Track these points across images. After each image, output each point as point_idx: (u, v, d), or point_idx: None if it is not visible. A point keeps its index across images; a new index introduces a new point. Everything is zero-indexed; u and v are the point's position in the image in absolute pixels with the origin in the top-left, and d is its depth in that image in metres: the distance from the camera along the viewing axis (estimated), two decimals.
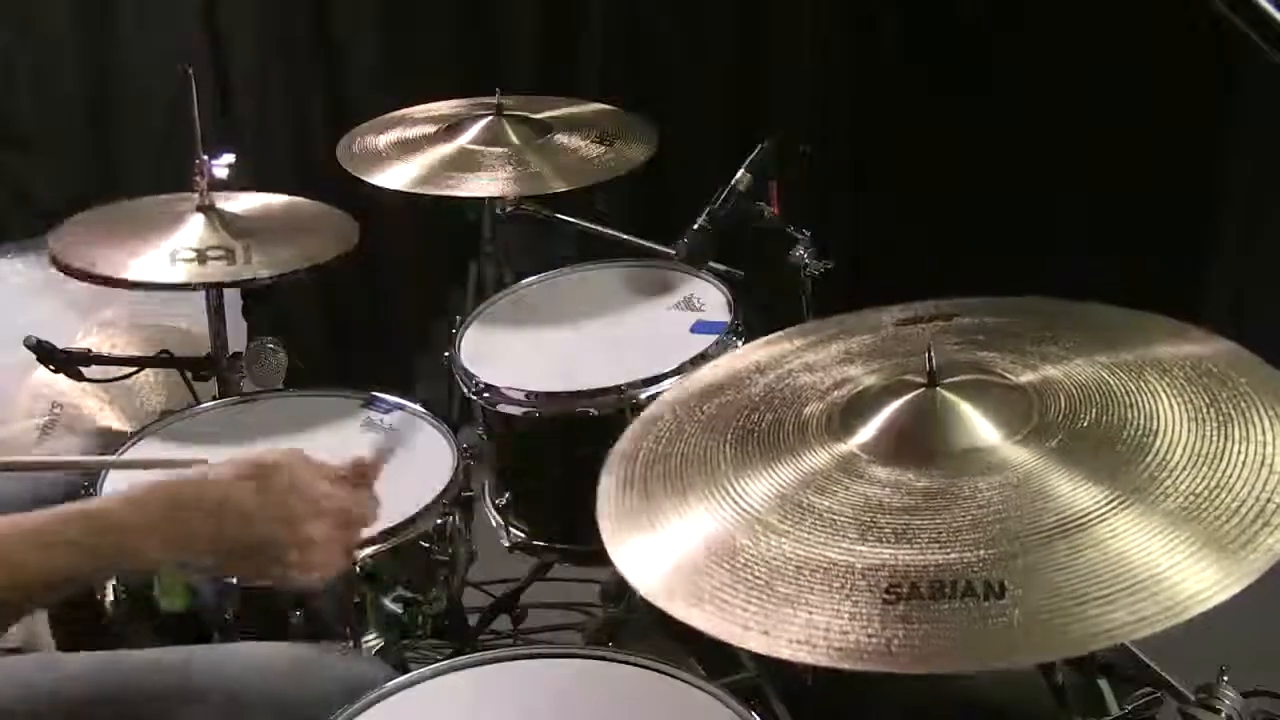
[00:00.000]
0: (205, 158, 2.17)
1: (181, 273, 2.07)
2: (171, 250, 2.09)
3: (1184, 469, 1.12)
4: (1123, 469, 1.14)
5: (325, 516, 1.30)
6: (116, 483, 1.81)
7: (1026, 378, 1.30)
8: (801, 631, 1.06)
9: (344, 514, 1.32)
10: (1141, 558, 1.04)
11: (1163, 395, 1.22)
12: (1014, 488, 1.14)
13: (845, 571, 1.10)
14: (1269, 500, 1.07)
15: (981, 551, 1.08)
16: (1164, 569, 1.03)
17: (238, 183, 2.27)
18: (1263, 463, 1.11)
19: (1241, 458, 1.12)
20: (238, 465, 1.30)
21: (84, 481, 1.78)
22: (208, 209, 2.18)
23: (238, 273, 2.10)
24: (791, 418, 1.33)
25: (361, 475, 1.38)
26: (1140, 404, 1.22)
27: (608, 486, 1.32)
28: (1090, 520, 1.09)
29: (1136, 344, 1.32)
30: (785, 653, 1.05)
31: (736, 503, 1.22)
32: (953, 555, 1.09)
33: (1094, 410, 1.22)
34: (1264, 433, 1.14)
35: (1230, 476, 1.10)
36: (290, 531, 1.27)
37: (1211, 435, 1.15)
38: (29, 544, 1.22)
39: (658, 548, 1.21)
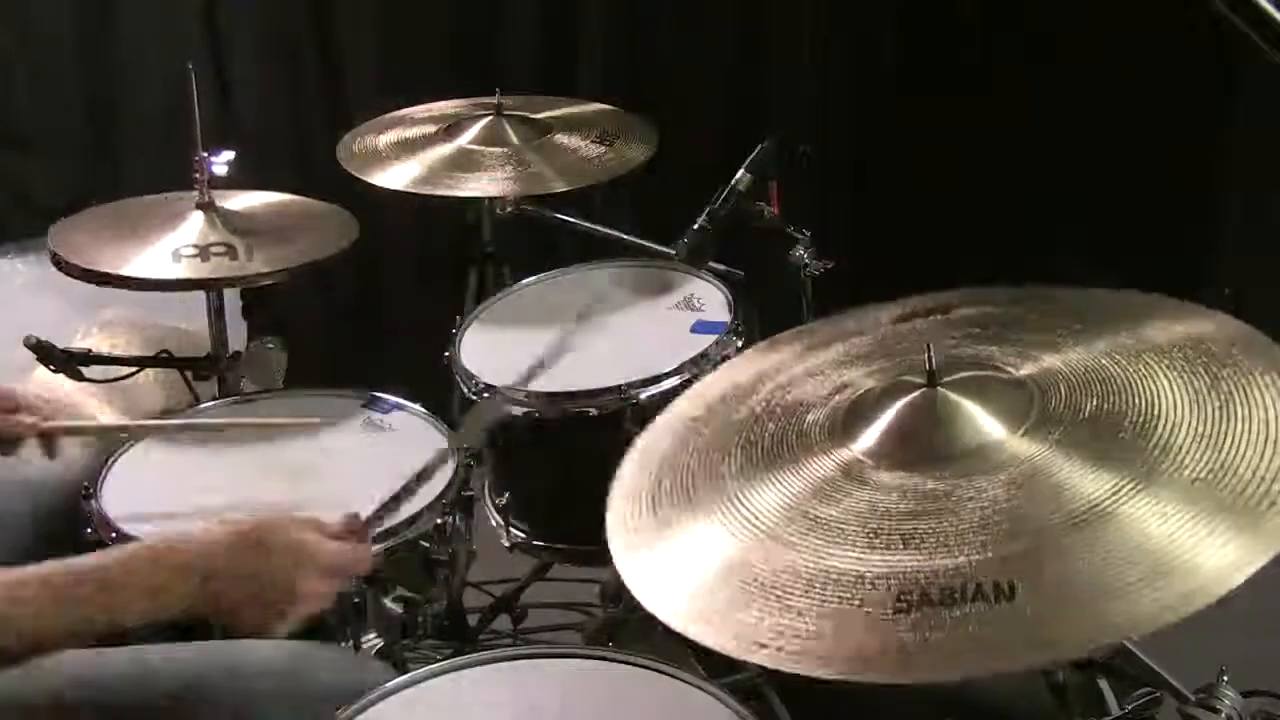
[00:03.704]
0: (205, 155, 2.17)
1: (184, 269, 2.07)
2: (173, 248, 2.09)
3: (1188, 451, 1.11)
4: (1127, 455, 1.12)
5: (317, 573, 1.34)
6: (119, 482, 1.81)
7: (1026, 370, 1.29)
8: (814, 645, 1.06)
9: (335, 569, 1.38)
10: (1154, 545, 1.03)
11: (1162, 378, 1.21)
12: (1020, 484, 1.13)
13: (855, 582, 1.09)
14: (1276, 476, 1.05)
15: (990, 553, 1.07)
16: (1178, 555, 1.02)
17: (238, 181, 2.27)
18: (1268, 439, 1.10)
19: (1246, 435, 1.11)
20: (230, 528, 1.33)
21: (84, 484, 1.78)
22: (207, 206, 2.17)
23: (240, 269, 2.10)
24: (794, 427, 1.32)
25: (355, 530, 1.42)
26: (1141, 388, 1.20)
27: (616, 505, 1.31)
28: (1099, 510, 1.07)
29: (1133, 327, 1.31)
30: (799, 668, 1.05)
31: (744, 517, 1.21)
32: (961, 559, 1.08)
33: (1095, 398, 1.21)
34: (1266, 409, 1.13)
35: (1236, 456, 1.09)
36: (280, 593, 1.32)
37: (1214, 415, 1.14)
38: (40, 602, 1.23)
39: (667, 566, 1.21)
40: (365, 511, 1.49)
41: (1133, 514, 1.07)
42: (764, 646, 1.08)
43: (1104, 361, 1.26)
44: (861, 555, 1.12)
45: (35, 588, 1.24)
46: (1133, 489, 1.09)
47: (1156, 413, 1.17)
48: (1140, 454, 1.13)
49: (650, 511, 1.28)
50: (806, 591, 1.10)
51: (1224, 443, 1.11)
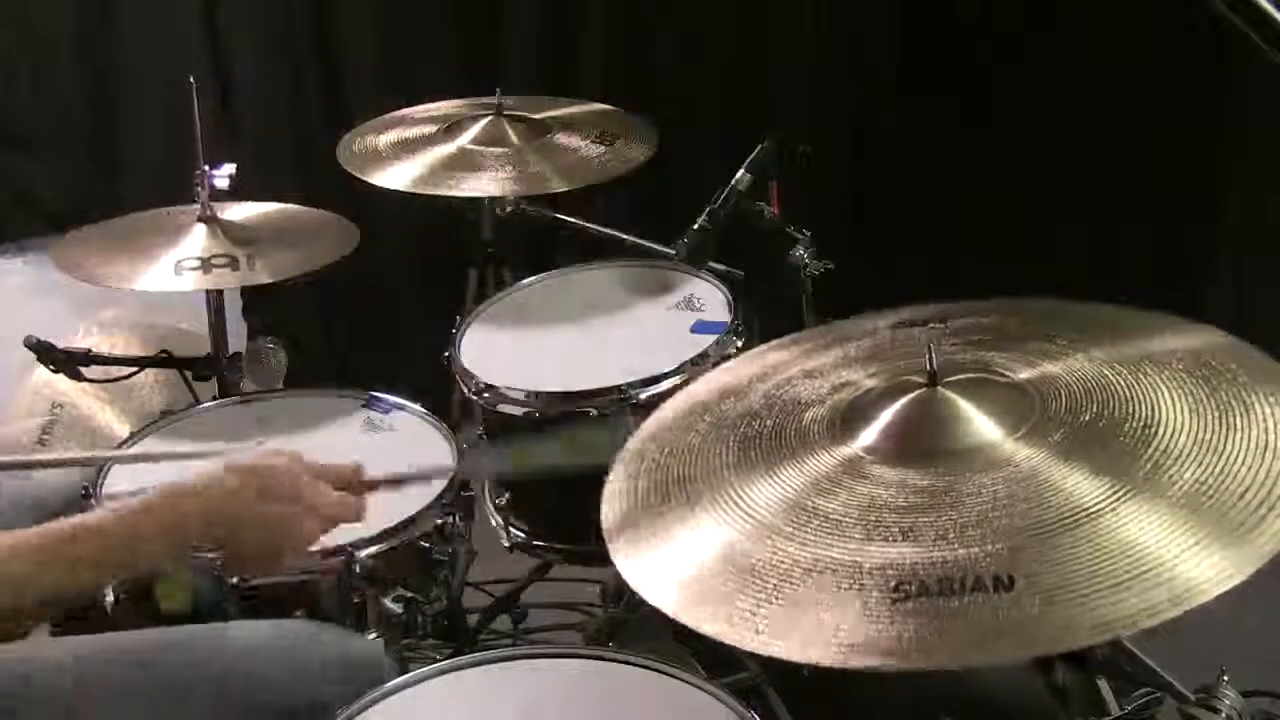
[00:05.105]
0: (206, 168, 2.17)
1: (188, 282, 2.08)
2: (176, 261, 2.09)
3: (1188, 458, 1.12)
4: (1126, 460, 1.13)
5: (317, 520, 1.37)
6: (118, 481, 1.81)
7: (1026, 375, 1.29)
8: (812, 632, 1.06)
9: (332, 520, 1.39)
10: (1151, 546, 1.04)
11: (1162, 387, 1.22)
12: (1019, 482, 1.14)
13: (853, 571, 1.10)
14: (1274, 484, 1.07)
15: (989, 546, 1.08)
16: (1174, 556, 1.03)
17: (238, 184, 2.27)
18: (1266, 448, 1.11)
19: (1244, 444, 1.12)
20: (235, 472, 1.34)
21: (84, 482, 1.78)
22: (209, 219, 2.18)
23: (242, 279, 2.11)
24: (793, 423, 1.33)
25: (358, 483, 1.43)
26: (1140, 396, 1.21)
27: (611, 498, 1.31)
28: (1097, 511, 1.08)
29: (1132, 339, 1.32)
30: (797, 654, 1.05)
31: (742, 509, 1.22)
32: (960, 551, 1.09)
33: (1095, 404, 1.22)
34: (1265, 419, 1.14)
35: (1234, 463, 1.10)
36: (280, 537, 1.35)
37: (1212, 424, 1.15)
38: (33, 562, 1.25)
39: (665, 557, 1.21)
40: (369, 472, 1.48)
41: (1132, 516, 1.07)
42: (759, 633, 1.08)
43: (1103, 370, 1.27)
44: (860, 546, 1.13)
45: (56, 550, 1.27)
46: (1130, 492, 1.10)
47: (1156, 419, 1.18)
48: (1140, 457, 1.14)
49: (645, 501, 1.28)
50: (804, 579, 1.11)
51: (1224, 449, 1.12)
